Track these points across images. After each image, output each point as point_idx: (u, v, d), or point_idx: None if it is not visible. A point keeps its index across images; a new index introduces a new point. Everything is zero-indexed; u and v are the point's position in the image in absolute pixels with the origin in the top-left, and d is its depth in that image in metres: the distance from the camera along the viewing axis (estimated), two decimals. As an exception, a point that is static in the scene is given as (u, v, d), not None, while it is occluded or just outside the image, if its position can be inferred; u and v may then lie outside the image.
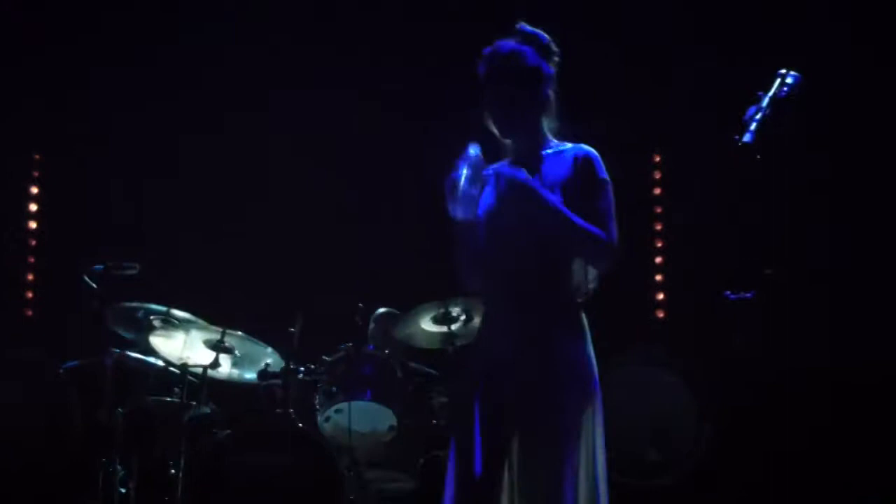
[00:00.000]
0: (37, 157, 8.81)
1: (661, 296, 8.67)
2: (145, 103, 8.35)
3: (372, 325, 7.38)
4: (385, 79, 8.34)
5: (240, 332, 6.69)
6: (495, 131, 4.36)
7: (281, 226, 8.29)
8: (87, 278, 6.38)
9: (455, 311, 6.82)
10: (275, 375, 6.69)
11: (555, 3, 7.71)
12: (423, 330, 6.97)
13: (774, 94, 4.21)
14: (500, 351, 4.20)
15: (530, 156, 4.33)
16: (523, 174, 4.19)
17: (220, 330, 6.62)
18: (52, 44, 8.40)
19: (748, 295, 4.20)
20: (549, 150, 4.35)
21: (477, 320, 6.83)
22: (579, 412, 4.16)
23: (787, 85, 4.25)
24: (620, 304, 8.18)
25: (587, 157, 4.30)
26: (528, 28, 4.38)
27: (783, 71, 4.29)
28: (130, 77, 8.35)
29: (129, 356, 6.65)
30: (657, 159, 8.77)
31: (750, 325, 4.19)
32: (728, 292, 4.24)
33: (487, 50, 4.35)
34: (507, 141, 4.39)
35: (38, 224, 8.75)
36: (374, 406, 6.64)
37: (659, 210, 8.74)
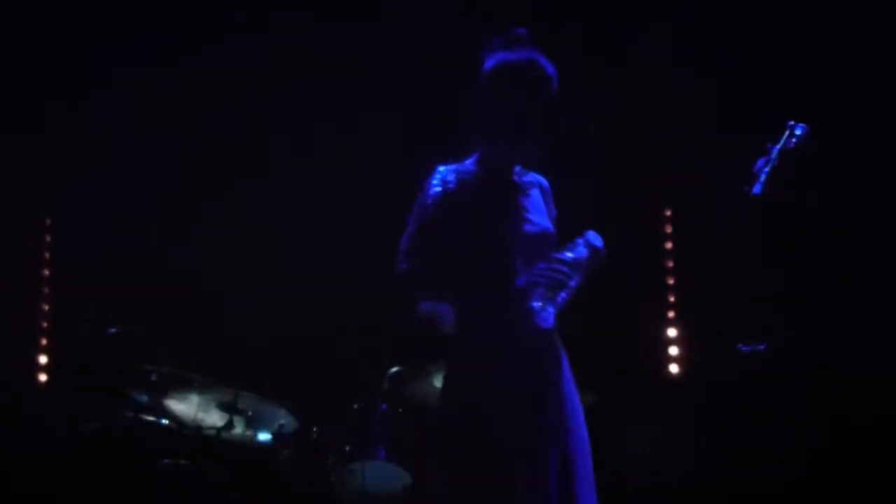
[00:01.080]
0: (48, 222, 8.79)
1: (675, 351, 8.64)
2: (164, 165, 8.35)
3: (386, 384, 7.36)
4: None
5: (253, 394, 6.67)
6: (503, 145, 4.30)
7: (293, 286, 8.26)
8: (99, 342, 6.38)
9: None
10: (288, 436, 6.67)
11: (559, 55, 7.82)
12: (437, 388, 6.94)
13: (783, 145, 4.23)
14: (510, 382, 4.14)
15: (510, 175, 4.32)
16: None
17: (234, 391, 6.61)
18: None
19: (761, 347, 4.19)
20: (517, 170, 4.36)
21: None
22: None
23: (796, 136, 4.28)
24: (633, 359, 8.27)
25: (548, 190, 4.42)
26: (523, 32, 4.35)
27: (792, 122, 4.32)
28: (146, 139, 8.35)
29: (142, 419, 6.63)
30: (668, 213, 8.76)
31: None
32: (741, 345, 4.24)
33: (522, 57, 4.26)
34: (503, 156, 4.34)
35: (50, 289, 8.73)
36: (387, 466, 6.61)
37: (670, 265, 8.71)
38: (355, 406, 6.82)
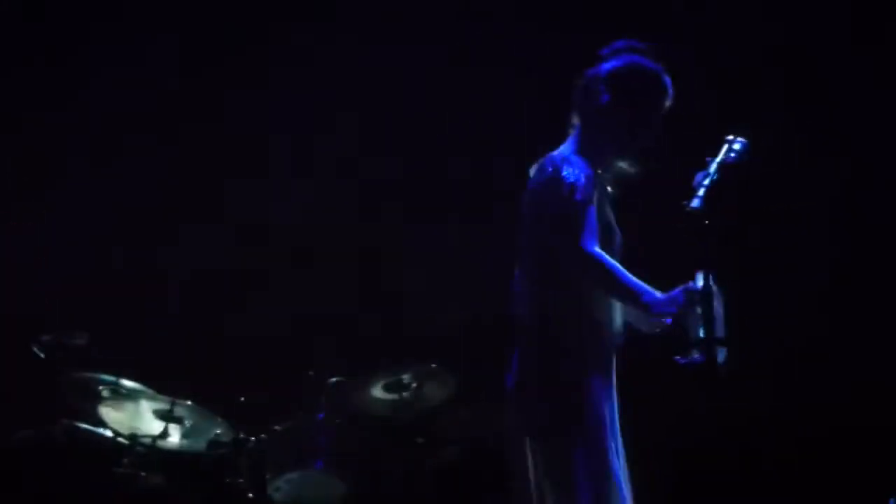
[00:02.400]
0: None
1: None
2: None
3: (323, 394, 7.35)
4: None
5: (189, 402, 6.64)
6: (634, 151, 4.44)
7: (231, 294, 8.24)
8: (35, 348, 6.33)
9: (406, 378, 6.81)
10: (225, 445, 6.64)
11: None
12: (375, 398, 6.96)
13: (722, 159, 4.25)
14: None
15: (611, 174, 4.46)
16: None
17: (170, 400, 6.57)
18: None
19: (697, 359, 4.20)
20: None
21: (429, 386, 6.85)
22: None
23: (735, 151, 4.30)
24: None
25: None
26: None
27: (730, 137, 4.34)
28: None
29: (79, 427, 6.58)
30: None
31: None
32: (678, 357, 4.25)
33: (664, 70, 4.41)
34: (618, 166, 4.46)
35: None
36: (325, 476, 6.60)
37: None
38: (293, 416, 6.82)
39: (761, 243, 7.58)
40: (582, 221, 4.08)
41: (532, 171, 4.38)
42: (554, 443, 4.13)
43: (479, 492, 6.88)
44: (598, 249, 4.11)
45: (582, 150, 4.35)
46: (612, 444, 4.16)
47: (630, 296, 4.14)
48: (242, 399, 6.60)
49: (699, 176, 4.23)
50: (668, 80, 4.42)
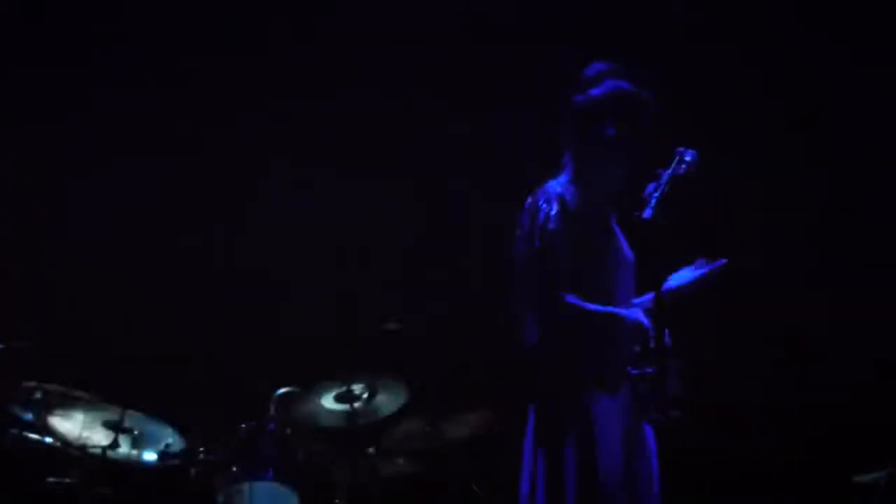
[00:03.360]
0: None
1: None
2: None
3: (273, 404, 7.32)
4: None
5: (139, 412, 6.60)
6: (614, 172, 4.47)
7: (180, 303, 8.20)
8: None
9: (357, 388, 6.81)
10: (175, 455, 6.61)
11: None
12: (326, 408, 6.95)
13: (673, 171, 4.28)
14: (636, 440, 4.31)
15: (611, 202, 4.52)
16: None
17: (120, 409, 6.53)
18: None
19: (649, 370, 4.23)
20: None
21: (381, 397, 6.86)
22: None
23: (685, 162, 4.34)
24: (525, 382, 8.28)
25: None
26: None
27: (681, 149, 4.37)
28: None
29: (27, 437, 6.52)
30: None
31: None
32: (631, 367, 4.28)
33: (635, 89, 4.44)
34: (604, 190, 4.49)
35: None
36: (275, 486, 6.58)
37: None
38: (243, 426, 6.79)
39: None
40: (546, 265, 4.23)
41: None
42: (548, 450, 4.26)
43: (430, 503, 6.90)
44: (559, 293, 4.20)
45: (577, 178, 4.42)
46: (609, 456, 4.22)
47: (600, 323, 4.19)
48: (193, 409, 6.54)
49: (650, 187, 4.26)
50: (649, 101, 4.45)
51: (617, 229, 4.52)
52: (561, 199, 4.35)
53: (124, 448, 6.70)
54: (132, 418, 6.61)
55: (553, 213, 4.30)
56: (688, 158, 4.32)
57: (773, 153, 7.70)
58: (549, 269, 4.25)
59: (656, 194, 4.18)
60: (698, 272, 4.40)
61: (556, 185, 4.42)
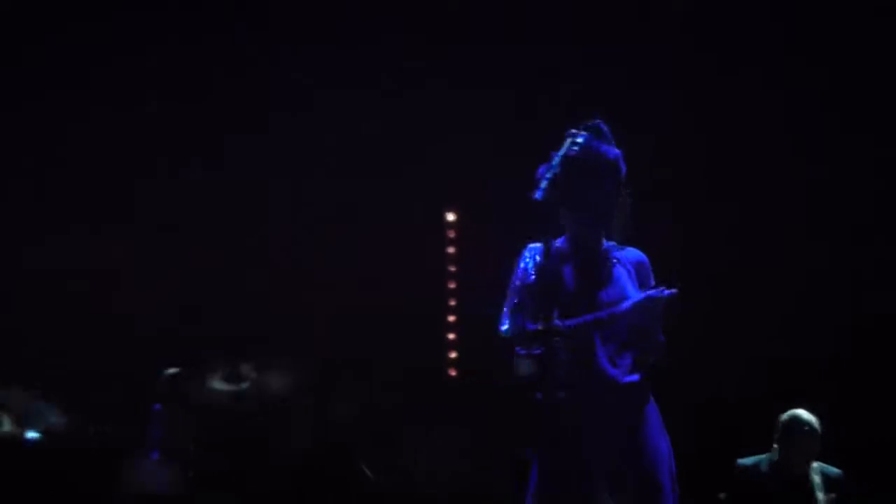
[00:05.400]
0: None
1: (453, 354, 8.76)
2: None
3: (161, 385, 7.28)
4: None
5: (23, 390, 6.53)
6: (583, 222, 4.51)
7: (72, 283, 8.12)
8: None
9: (245, 369, 6.79)
10: (61, 434, 6.54)
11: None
12: (213, 388, 6.91)
13: (564, 153, 4.31)
14: (604, 442, 4.34)
15: (595, 249, 4.52)
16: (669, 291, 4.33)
17: (1, 387, 6.46)
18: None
19: (537, 351, 4.26)
20: (606, 247, 4.55)
21: (268, 378, 6.83)
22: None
23: (577, 144, 4.36)
24: (413, 362, 8.35)
25: (645, 264, 4.57)
26: (606, 127, 4.53)
27: (574, 131, 4.40)
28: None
29: None
30: (451, 217, 8.89)
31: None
32: (518, 348, 4.31)
33: (585, 150, 4.41)
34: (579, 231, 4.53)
35: None
36: (161, 466, 6.56)
37: (453, 269, 8.84)
38: (130, 406, 6.75)
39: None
40: (510, 307, 4.50)
41: None
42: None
43: (322, 483, 6.91)
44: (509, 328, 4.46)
45: (567, 231, 4.56)
46: (566, 467, 4.31)
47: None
48: (79, 387, 6.48)
49: (542, 168, 4.28)
50: (616, 159, 4.51)
51: (603, 274, 4.55)
52: (534, 256, 4.49)
53: (6, 426, 6.65)
54: (14, 396, 6.53)
55: (522, 266, 4.49)
56: (580, 140, 4.35)
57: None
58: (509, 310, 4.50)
59: (548, 175, 4.20)
60: (637, 297, 4.45)
61: (548, 242, 4.51)
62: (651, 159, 7.69)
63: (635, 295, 4.43)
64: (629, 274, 4.52)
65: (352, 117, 8.26)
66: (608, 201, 4.50)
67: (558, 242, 4.55)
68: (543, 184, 4.23)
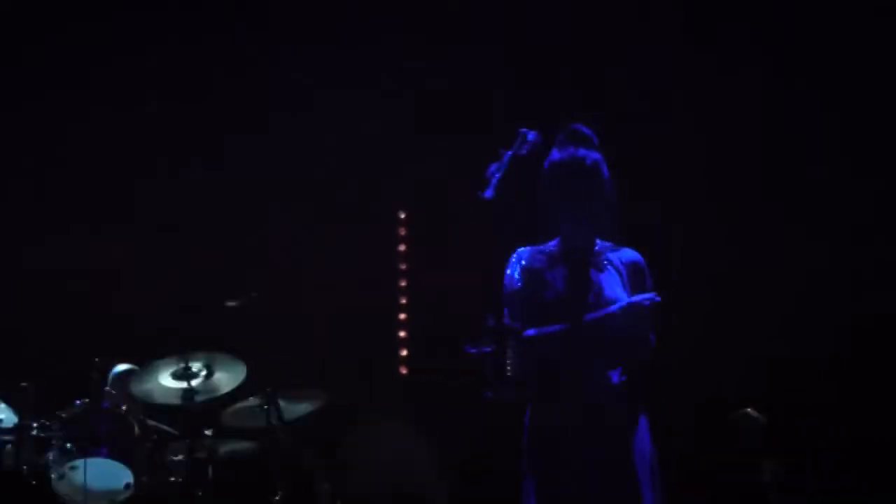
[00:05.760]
0: None
1: (404, 352, 8.75)
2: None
3: (109, 381, 7.24)
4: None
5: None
6: (572, 224, 4.46)
7: (22, 278, 8.13)
8: None
9: (195, 366, 6.77)
10: (7, 431, 6.51)
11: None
12: (162, 386, 6.87)
13: (515, 151, 4.27)
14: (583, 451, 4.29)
15: (585, 250, 4.48)
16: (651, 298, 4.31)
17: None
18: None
19: (487, 349, 4.23)
20: (599, 247, 4.52)
21: (218, 375, 6.83)
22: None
23: (528, 143, 4.32)
24: (365, 361, 8.33)
25: (640, 264, 4.54)
26: (586, 129, 4.50)
27: (524, 130, 4.36)
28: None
29: None
30: (403, 216, 8.88)
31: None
32: (468, 346, 4.28)
33: (565, 156, 4.41)
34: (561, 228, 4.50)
35: None
36: (109, 463, 6.52)
37: (404, 267, 8.82)
38: (78, 403, 6.73)
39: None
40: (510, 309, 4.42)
41: None
42: None
43: (265, 484, 6.87)
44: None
45: (560, 234, 4.54)
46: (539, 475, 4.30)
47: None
48: (24, 385, 6.46)
49: (492, 167, 4.25)
50: (596, 161, 4.45)
51: (593, 276, 4.52)
52: (520, 260, 4.48)
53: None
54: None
55: (509, 273, 4.46)
56: (530, 139, 4.32)
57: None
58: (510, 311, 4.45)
59: (497, 174, 4.17)
60: (620, 303, 4.40)
61: (535, 247, 4.53)
62: (651, 159, 7.70)
63: (621, 299, 4.38)
64: (622, 276, 4.48)
65: (352, 117, 8.23)
66: (596, 203, 4.44)
67: (550, 245, 4.53)
68: (494, 182, 4.18)
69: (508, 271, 4.47)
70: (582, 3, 7.78)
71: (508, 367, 4.21)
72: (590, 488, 4.24)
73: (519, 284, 4.40)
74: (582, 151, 4.42)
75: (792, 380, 7.62)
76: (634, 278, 4.48)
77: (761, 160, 7.88)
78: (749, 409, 6.53)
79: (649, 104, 7.88)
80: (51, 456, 6.55)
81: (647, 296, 4.31)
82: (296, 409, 7.02)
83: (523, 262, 4.42)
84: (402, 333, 8.71)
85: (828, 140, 7.81)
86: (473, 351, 4.25)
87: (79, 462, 6.43)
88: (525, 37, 7.83)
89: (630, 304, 4.29)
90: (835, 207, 7.82)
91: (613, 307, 4.31)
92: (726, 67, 7.83)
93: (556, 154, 4.41)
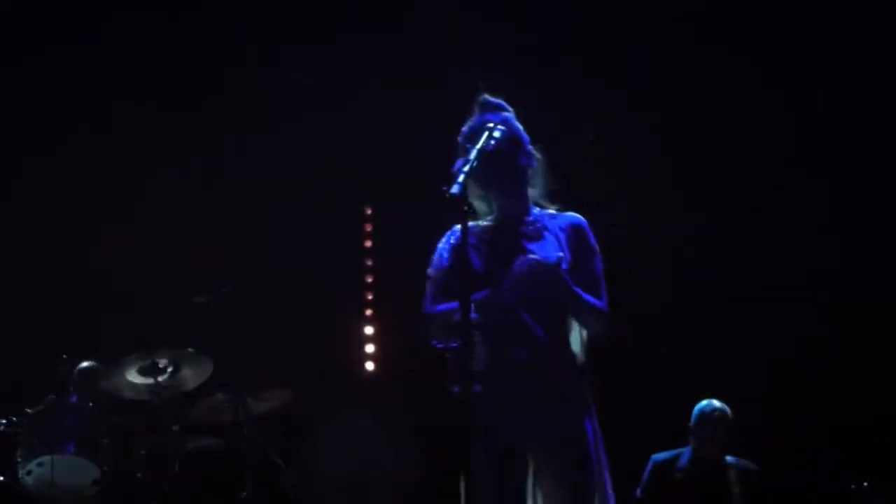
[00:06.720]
0: None
1: (371, 348, 8.77)
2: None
3: (75, 377, 7.26)
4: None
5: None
6: (484, 195, 4.45)
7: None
8: None
9: (162, 362, 6.79)
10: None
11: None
12: (129, 381, 6.90)
13: (482, 146, 4.25)
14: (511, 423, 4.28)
15: (517, 220, 4.45)
16: (554, 259, 4.26)
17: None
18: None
19: (454, 345, 4.21)
20: (534, 216, 4.47)
21: (186, 371, 6.89)
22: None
23: (495, 139, 4.31)
24: (330, 358, 8.34)
25: (581, 226, 4.48)
26: (494, 100, 4.52)
27: (491, 125, 4.35)
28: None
29: None
30: (369, 212, 8.90)
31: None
32: (435, 341, 4.28)
33: (473, 124, 4.44)
34: (492, 204, 4.48)
35: None
36: (77, 459, 6.57)
37: (370, 263, 8.84)
38: (45, 399, 6.76)
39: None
40: (428, 290, 4.46)
41: None
42: None
43: (232, 480, 6.89)
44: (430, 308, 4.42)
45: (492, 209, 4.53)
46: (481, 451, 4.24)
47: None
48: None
49: (459, 163, 4.25)
50: (504, 121, 4.46)
51: (525, 243, 4.47)
52: (449, 239, 4.45)
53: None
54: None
55: (437, 253, 4.46)
56: (497, 134, 4.31)
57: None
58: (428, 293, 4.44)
59: (465, 170, 4.15)
60: (521, 263, 4.36)
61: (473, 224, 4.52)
62: (651, 159, 7.69)
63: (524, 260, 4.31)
64: (559, 239, 4.43)
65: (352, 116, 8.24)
66: (514, 167, 4.43)
67: (486, 221, 4.50)
68: (461, 178, 4.16)
69: (437, 251, 4.47)
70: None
71: (475, 362, 4.18)
72: (526, 418, 4.26)
73: (445, 262, 4.40)
74: (489, 116, 4.43)
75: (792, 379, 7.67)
76: (574, 240, 4.43)
77: (762, 160, 7.90)
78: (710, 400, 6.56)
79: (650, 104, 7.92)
80: (18, 452, 6.61)
81: (553, 255, 4.28)
82: (262, 405, 7.05)
83: (452, 240, 4.41)
84: (368, 329, 8.75)
85: (828, 139, 7.82)
86: (440, 346, 4.24)
87: (46, 458, 6.48)
88: (513, 37, 7.85)
89: (525, 261, 4.25)
90: (835, 207, 7.83)
91: (514, 268, 4.24)
92: (726, 67, 7.84)
93: (492, 142, 4.35)
